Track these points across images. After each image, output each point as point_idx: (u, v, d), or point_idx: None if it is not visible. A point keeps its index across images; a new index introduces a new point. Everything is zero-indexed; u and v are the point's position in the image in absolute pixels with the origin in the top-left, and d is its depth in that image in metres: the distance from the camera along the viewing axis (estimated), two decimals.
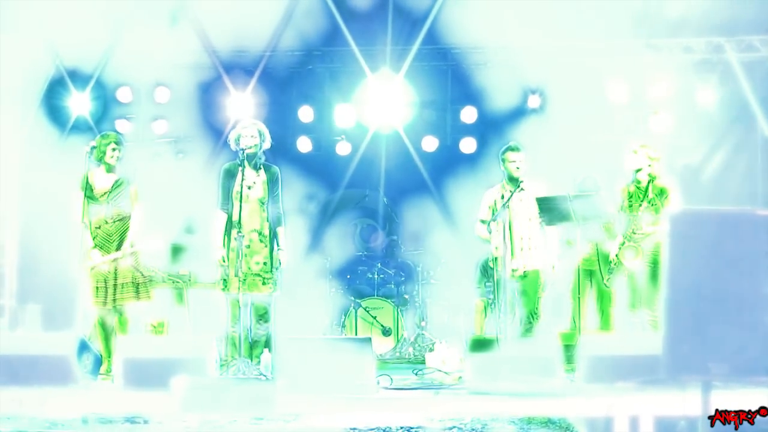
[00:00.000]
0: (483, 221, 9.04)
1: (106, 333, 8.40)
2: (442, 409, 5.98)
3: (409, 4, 11.91)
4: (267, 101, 12.60)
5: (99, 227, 8.42)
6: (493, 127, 12.42)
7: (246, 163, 8.29)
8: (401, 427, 5.44)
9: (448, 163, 12.84)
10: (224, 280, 8.23)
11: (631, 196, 8.58)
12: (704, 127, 12.14)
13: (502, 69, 12.17)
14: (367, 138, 12.67)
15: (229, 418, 5.71)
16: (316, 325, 11.56)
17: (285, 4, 11.69)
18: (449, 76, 12.96)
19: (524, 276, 8.84)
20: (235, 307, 8.12)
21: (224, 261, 8.22)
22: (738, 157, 12.34)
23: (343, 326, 11.88)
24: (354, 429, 5.41)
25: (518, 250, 8.80)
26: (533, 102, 12.33)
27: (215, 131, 12.33)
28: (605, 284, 9.01)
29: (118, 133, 9.34)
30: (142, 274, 8.48)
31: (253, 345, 8.23)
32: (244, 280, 8.05)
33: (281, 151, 10.60)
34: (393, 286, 12.42)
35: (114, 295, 8.33)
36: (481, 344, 8.40)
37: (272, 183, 8.39)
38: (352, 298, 12.04)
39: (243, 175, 8.25)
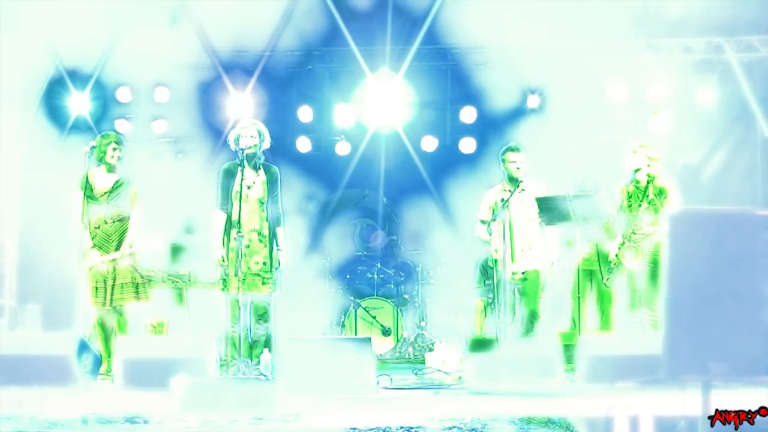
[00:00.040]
0: (483, 222, 9.04)
1: (106, 333, 8.40)
2: (442, 409, 5.98)
3: (408, 4, 11.91)
4: (266, 101, 12.59)
5: (98, 227, 8.42)
6: (492, 127, 12.42)
7: (246, 163, 8.29)
8: (401, 427, 5.44)
9: (448, 163, 12.84)
10: (224, 280, 8.23)
11: (631, 196, 8.58)
12: (704, 127, 12.15)
13: (501, 69, 12.18)
14: (366, 138, 12.66)
15: (229, 418, 5.71)
16: (316, 325, 11.55)
17: (284, 4, 11.69)
18: (449, 76, 12.96)
19: (524, 277, 8.84)
20: (234, 307, 8.12)
21: (224, 261, 8.22)
22: (737, 157, 12.34)
23: (343, 326, 11.88)
24: (354, 429, 5.41)
25: (519, 251, 8.79)
26: (533, 102, 12.33)
27: (215, 131, 12.33)
28: (605, 284, 9.01)
29: (118, 133, 9.34)
30: (141, 275, 8.49)
31: (252, 345, 8.23)
32: (244, 280, 8.05)
33: (281, 151, 10.60)
34: (393, 286, 12.42)
35: (113, 295, 8.33)
36: (480, 344, 8.39)
37: (272, 183, 8.39)
38: (352, 298, 12.04)
39: (243, 174, 8.25)
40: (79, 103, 12.26)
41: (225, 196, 8.33)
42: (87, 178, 8.44)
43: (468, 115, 12.84)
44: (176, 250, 10.28)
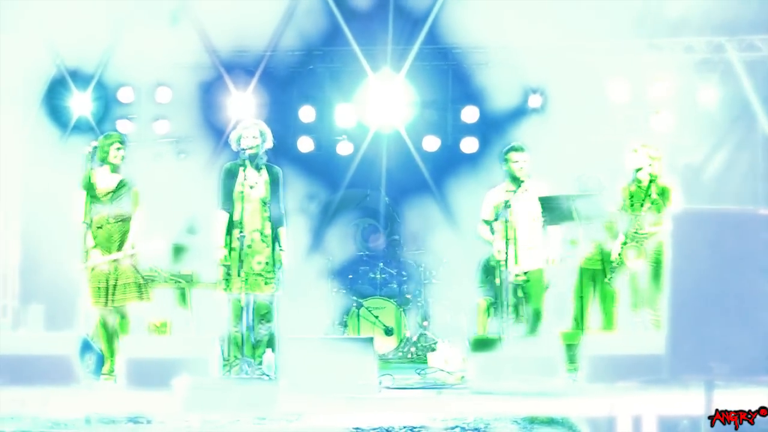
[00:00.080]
0: (486, 222, 9.04)
1: (108, 333, 8.41)
2: (445, 409, 5.98)
3: (409, 4, 11.92)
4: (268, 101, 12.59)
5: (101, 227, 8.43)
6: (494, 127, 12.41)
7: (248, 163, 8.29)
8: (404, 427, 5.44)
9: (450, 163, 12.84)
10: (226, 280, 8.23)
11: (633, 196, 8.59)
12: (705, 127, 12.15)
13: (503, 69, 12.17)
14: (368, 138, 12.66)
15: (232, 418, 5.72)
16: (319, 325, 11.55)
17: (286, 4, 11.70)
18: (450, 75, 12.95)
19: (527, 277, 8.83)
20: (237, 307, 8.12)
21: (226, 261, 8.22)
22: (739, 157, 12.34)
23: (345, 326, 11.88)
24: (356, 429, 5.41)
25: (522, 251, 8.79)
26: (534, 102, 12.32)
27: (216, 131, 12.33)
28: (608, 284, 9.01)
29: (120, 133, 9.35)
30: (142, 276, 8.50)
31: (255, 345, 8.24)
32: (246, 280, 8.05)
33: (282, 151, 10.59)
34: (395, 285, 12.42)
35: (114, 295, 8.34)
36: (483, 344, 8.39)
37: (274, 183, 8.39)
38: (354, 298, 12.04)
39: (245, 175, 8.25)
40: (80, 104, 12.26)
41: (227, 196, 8.33)
42: (90, 177, 8.45)
43: (470, 114, 12.83)
44: (178, 251, 10.28)
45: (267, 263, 8.26)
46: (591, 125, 11.79)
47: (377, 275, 12.42)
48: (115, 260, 8.36)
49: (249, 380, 7.51)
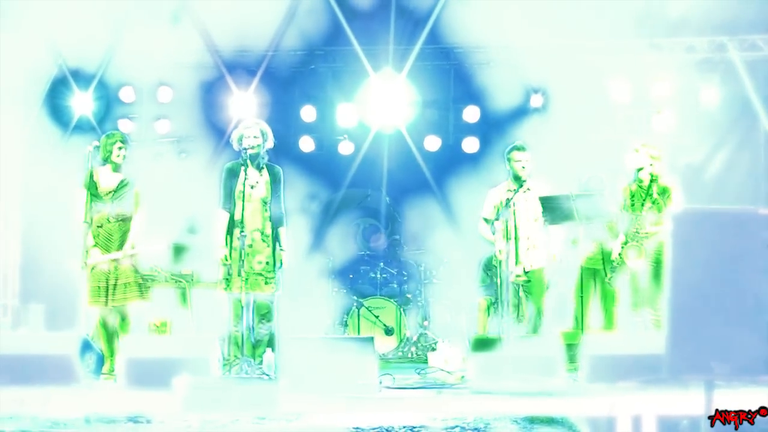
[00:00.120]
0: (486, 220, 9.04)
1: (108, 333, 8.42)
2: (445, 409, 5.97)
3: (411, 4, 11.92)
4: (269, 101, 12.60)
5: (101, 226, 8.44)
6: (495, 127, 12.41)
7: (249, 162, 8.29)
8: (404, 427, 5.43)
9: (451, 163, 12.84)
10: (227, 279, 8.23)
11: (634, 196, 8.58)
12: (707, 126, 12.14)
13: (504, 68, 12.17)
14: (369, 137, 12.66)
15: (232, 418, 5.71)
16: (319, 325, 11.55)
17: (287, 4, 11.70)
18: (452, 75, 12.95)
19: (529, 277, 8.83)
20: (237, 307, 8.12)
21: (227, 260, 8.22)
22: (741, 156, 12.34)
23: (346, 326, 11.88)
24: (356, 428, 5.40)
25: (523, 250, 8.79)
26: (536, 101, 12.33)
27: (218, 131, 12.34)
28: (608, 283, 9.01)
29: (122, 132, 9.36)
30: (141, 276, 8.51)
31: (255, 344, 8.24)
32: (247, 279, 8.05)
33: (283, 151, 10.59)
34: (395, 285, 12.42)
35: (114, 294, 8.34)
36: (483, 343, 8.39)
37: (275, 183, 8.39)
38: (355, 298, 12.04)
39: (246, 174, 8.25)
40: (82, 103, 12.27)
41: (228, 196, 8.33)
42: (92, 176, 8.46)
43: (471, 114, 12.83)
44: (179, 250, 10.29)
45: (267, 263, 8.26)
46: (592, 125, 11.79)
47: (378, 275, 12.42)
48: (114, 260, 8.36)
49: (249, 380, 7.50)
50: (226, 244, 8.25)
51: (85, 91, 12.23)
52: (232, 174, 8.34)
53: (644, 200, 8.51)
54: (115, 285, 8.36)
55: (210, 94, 12.67)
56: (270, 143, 8.45)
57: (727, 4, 11.01)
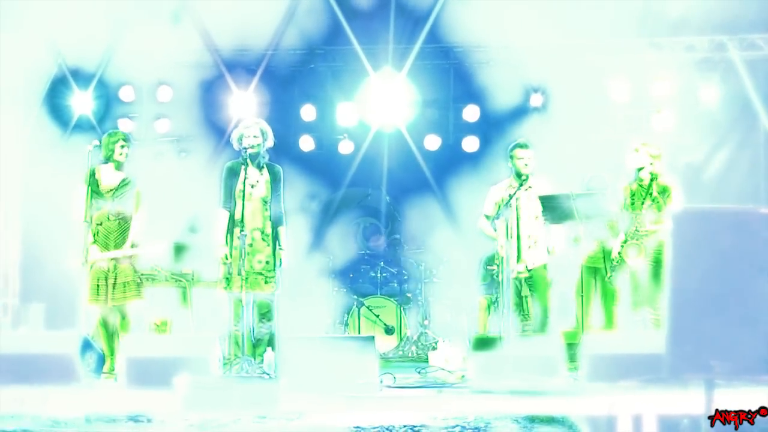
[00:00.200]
0: (487, 216, 9.04)
1: (109, 332, 8.42)
2: (445, 408, 5.98)
3: (411, 3, 11.91)
4: (269, 100, 12.60)
5: (101, 224, 8.45)
6: (495, 126, 12.42)
7: (249, 161, 8.29)
8: (404, 426, 5.44)
9: (451, 162, 12.84)
10: (227, 278, 8.23)
11: (634, 195, 8.59)
12: (707, 126, 12.15)
13: (504, 67, 12.18)
14: (369, 137, 12.66)
15: (232, 417, 5.71)
16: (319, 324, 11.55)
17: (287, 3, 11.70)
18: (451, 74, 12.95)
19: (531, 274, 8.83)
20: (237, 306, 8.13)
21: (227, 259, 8.22)
22: (741, 155, 12.34)
23: (346, 325, 11.89)
24: (357, 428, 5.41)
25: (525, 247, 8.79)
26: (536, 100, 12.33)
27: (218, 130, 12.33)
28: (609, 282, 9.01)
29: (124, 131, 9.37)
30: (140, 275, 8.52)
31: (255, 344, 8.24)
32: (247, 278, 8.06)
33: (283, 150, 10.59)
34: (396, 284, 12.43)
35: (114, 293, 8.35)
36: (484, 343, 8.39)
37: (275, 182, 8.40)
38: (355, 297, 12.05)
39: (246, 173, 8.26)
40: (81, 103, 12.27)
41: (228, 195, 8.34)
42: (94, 173, 8.47)
43: (471, 113, 12.83)
44: (179, 249, 10.28)
45: (268, 262, 8.27)
46: (592, 124, 11.80)
47: (378, 274, 12.43)
48: (113, 258, 8.37)
49: (249, 379, 7.51)
50: (227, 243, 8.26)
51: (84, 91, 12.23)
52: (233, 173, 8.34)
53: (644, 199, 8.51)
54: (114, 284, 8.37)
55: (210, 93, 12.67)
56: (270, 142, 8.45)
57: (727, 3, 11.00)
